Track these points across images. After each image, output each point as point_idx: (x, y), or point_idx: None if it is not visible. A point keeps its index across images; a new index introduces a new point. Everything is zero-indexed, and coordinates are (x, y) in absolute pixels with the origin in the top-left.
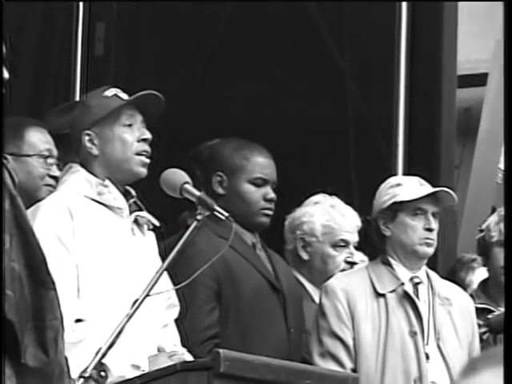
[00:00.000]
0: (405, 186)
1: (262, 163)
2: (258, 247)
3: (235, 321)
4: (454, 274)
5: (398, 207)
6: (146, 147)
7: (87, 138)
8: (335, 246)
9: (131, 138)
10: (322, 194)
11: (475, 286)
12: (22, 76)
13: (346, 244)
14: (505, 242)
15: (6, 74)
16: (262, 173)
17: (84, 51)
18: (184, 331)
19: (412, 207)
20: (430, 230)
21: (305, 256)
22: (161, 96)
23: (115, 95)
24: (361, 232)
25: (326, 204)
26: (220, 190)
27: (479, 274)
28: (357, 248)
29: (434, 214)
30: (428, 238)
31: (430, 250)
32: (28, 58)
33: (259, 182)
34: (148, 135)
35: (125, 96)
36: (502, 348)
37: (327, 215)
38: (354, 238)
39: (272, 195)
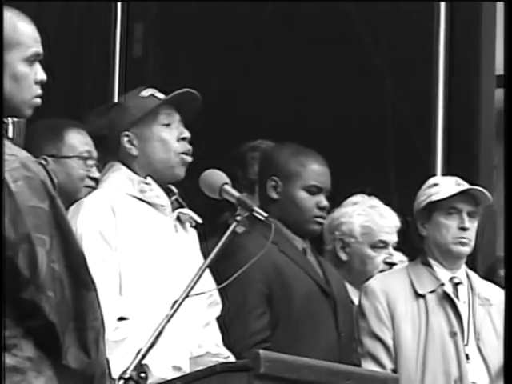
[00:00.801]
0: (441, 186)
1: (317, 171)
2: (308, 252)
3: (286, 325)
4: (493, 272)
5: (434, 207)
6: (187, 145)
7: (126, 139)
8: (374, 246)
9: (170, 138)
10: (361, 194)
11: None
12: (61, 78)
13: (385, 245)
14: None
15: (44, 76)
16: (317, 180)
17: (122, 52)
18: (230, 336)
19: (446, 206)
20: (463, 228)
21: (344, 257)
22: (197, 94)
23: (152, 95)
24: (400, 232)
25: (365, 205)
26: (274, 195)
27: None
28: (396, 248)
29: (470, 214)
30: (462, 238)
31: (465, 249)
32: (66, 60)
33: (314, 190)
34: (187, 134)
35: (161, 96)
36: None
37: (366, 216)
38: (393, 238)
39: (325, 203)
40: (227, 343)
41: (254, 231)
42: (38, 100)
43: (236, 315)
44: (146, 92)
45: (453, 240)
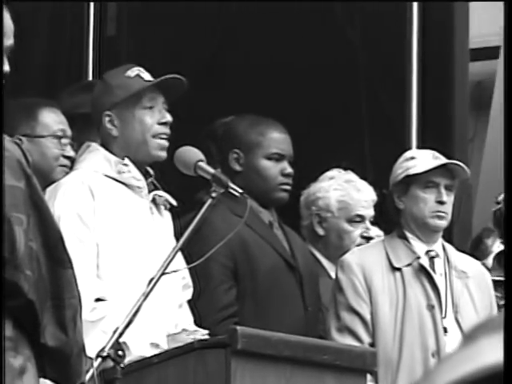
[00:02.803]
0: (418, 160)
1: (278, 138)
2: (275, 226)
3: (252, 300)
4: (480, 241)
5: (411, 180)
6: (166, 130)
7: (108, 119)
8: (351, 221)
9: (151, 121)
10: (336, 169)
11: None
12: (35, 57)
13: (361, 219)
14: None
15: (6, 67)
16: (278, 148)
17: (96, 32)
18: (198, 312)
19: (423, 180)
20: (441, 202)
21: (321, 232)
22: (184, 80)
23: (138, 75)
24: (376, 207)
25: (341, 179)
26: (237, 167)
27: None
28: (372, 223)
29: (447, 187)
30: (439, 211)
31: (442, 223)
32: (40, 39)
33: (276, 157)
34: (169, 118)
35: (147, 76)
36: (501, 316)
37: (342, 190)
38: (369, 212)
39: (289, 170)
40: (196, 319)
41: (220, 205)
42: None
43: (203, 290)
44: (132, 72)
45: (430, 213)
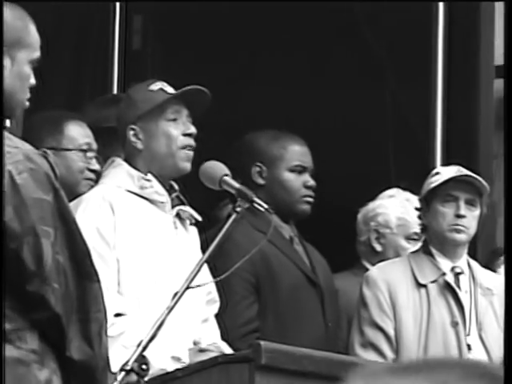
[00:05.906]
0: (441, 175)
1: (299, 151)
2: (295, 241)
3: (273, 315)
4: (490, 263)
5: (433, 195)
6: (191, 141)
7: (132, 132)
8: (408, 238)
9: (176, 133)
10: (396, 188)
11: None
12: (61, 70)
13: (418, 237)
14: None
15: (32, 80)
16: (300, 160)
17: (121, 44)
18: (224, 326)
19: (443, 194)
20: (459, 216)
21: (378, 247)
22: (207, 91)
23: (161, 89)
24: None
25: (401, 197)
26: (260, 181)
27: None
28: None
29: (468, 202)
30: (457, 225)
31: (460, 237)
32: (66, 52)
33: (299, 169)
34: (193, 130)
35: (170, 90)
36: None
37: (402, 208)
38: None
39: (312, 182)
40: (222, 334)
41: (241, 220)
42: (28, 103)
43: (225, 305)
44: (156, 85)
45: (448, 227)
